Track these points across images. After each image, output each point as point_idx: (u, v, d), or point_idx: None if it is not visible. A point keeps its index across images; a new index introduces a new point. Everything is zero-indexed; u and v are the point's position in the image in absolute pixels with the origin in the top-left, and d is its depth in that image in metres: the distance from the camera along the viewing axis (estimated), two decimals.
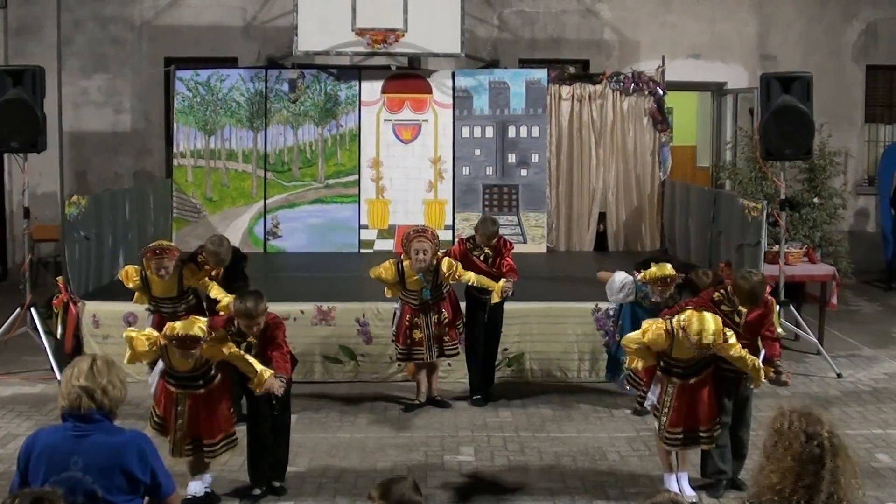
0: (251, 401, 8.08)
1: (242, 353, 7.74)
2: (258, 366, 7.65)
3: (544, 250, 16.07)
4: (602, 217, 16.68)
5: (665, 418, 7.89)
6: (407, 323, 10.17)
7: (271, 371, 7.68)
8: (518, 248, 12.45)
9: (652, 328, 7.81)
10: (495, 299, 10.23)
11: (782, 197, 12.57)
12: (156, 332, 7.84)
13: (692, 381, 7.82)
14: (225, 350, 7.65)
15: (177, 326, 7.48)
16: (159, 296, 9.80)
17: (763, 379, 7.80)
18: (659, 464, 8.42)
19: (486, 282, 10.27)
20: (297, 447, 9.03)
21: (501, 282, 10.25)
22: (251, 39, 17.63)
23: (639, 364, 8.07)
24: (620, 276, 10.34)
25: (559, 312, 11.45)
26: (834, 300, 12.97)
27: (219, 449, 7.79)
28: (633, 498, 8.06)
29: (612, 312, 10.80)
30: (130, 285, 9.85)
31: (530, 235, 16.13)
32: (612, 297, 10.43)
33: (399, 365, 11.24)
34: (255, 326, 7.82)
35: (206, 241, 9.81)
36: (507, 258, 10.48)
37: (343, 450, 9.20)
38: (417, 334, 10.14)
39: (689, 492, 8.02)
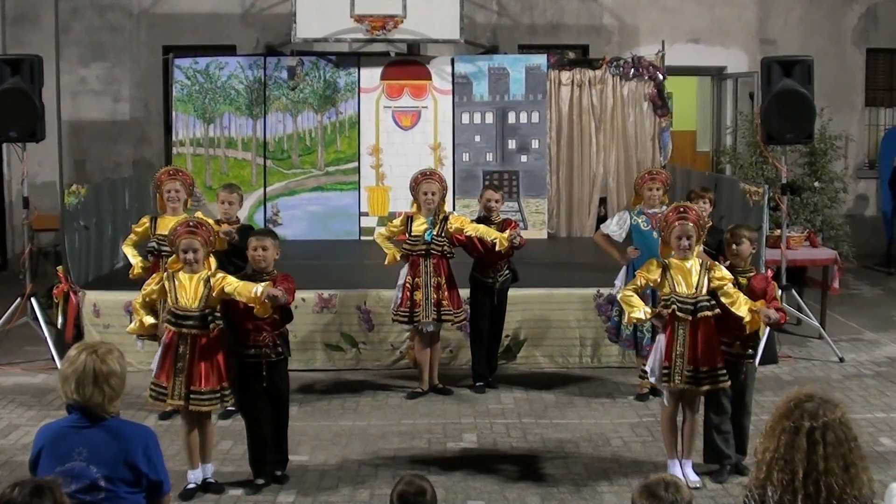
0: (250, 395, 8.02)
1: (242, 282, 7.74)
2: (257, 285, 7.62)
3: (545, 236, 16.05)
4: (603, 202, 16.65)
5: (680, 360, 7.85)
6: (408, 284, 10.10)
7: (266, 283, 7.68)
8: None
9: (643, 267, 8.16)
10: (503, 245, 9.82)
11: (783, 181, 12.55)
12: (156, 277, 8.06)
13: (700, 315, 7.81)
14: (228, 283, 7.67)
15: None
16: (162, 234, 9.48)
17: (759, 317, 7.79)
18: (662, 449, 8.40)
19: (492, 233, 9.99)
20: (299, 435, 9.05)
21: (508, 230, 10.03)
22: (250, 27, 17.60)
23: (636, 313, 8.00)
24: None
25: (561, 298, 11.43)
26: (836, 284, 12.94)
27: (206, 400, 7.68)
28: (636, 484, 8.03)
29: (615, 290, 10.22)
30: (139, 229, 9.96)
31: (531, 221, 16.09)
32: (613, 232, 10.36)
33: (400, 353, 11.24)
34: (262, 249, 7.95)
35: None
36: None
37: (345, 437, 9.18)
38: (418, 295, 10.08)
39: (694, 477, 8.01)
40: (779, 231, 12.57)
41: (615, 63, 16.49)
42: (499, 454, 8.80)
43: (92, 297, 11.45)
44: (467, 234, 10.12)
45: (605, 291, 11.23)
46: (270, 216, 16.10)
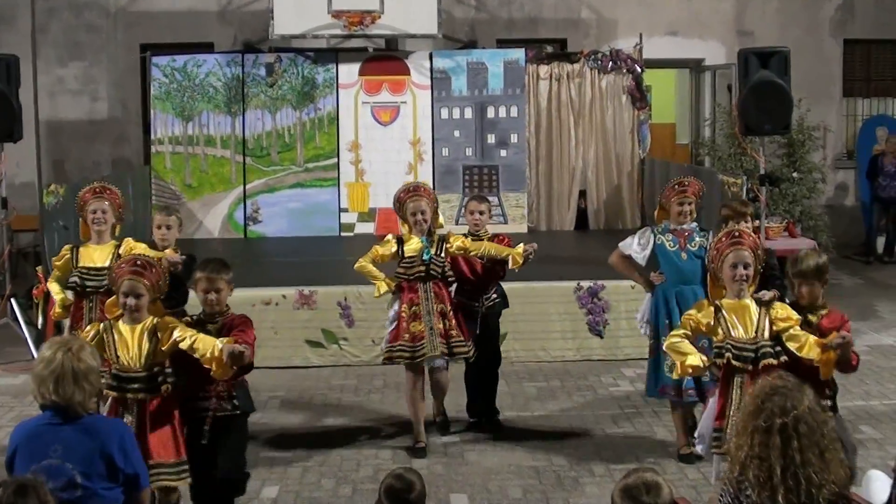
0: (193, 458, 6.47)
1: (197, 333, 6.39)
2: (216, 341, 6.28)
3: (525, 230, 16.05)
4: (582, 195, 16.67)
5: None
6: (405, 314, 8.56)
7: (227, 339, 6.33)
8: (499, 229, 12.43)
9: (693, 309, 6.86)
10: (517, 263, 8.67)
11: (762, 172, 12.61)
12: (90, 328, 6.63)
13: (762, 364, 6.39)
14: (181, 335, 6.30)
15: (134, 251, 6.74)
16: (86, 266, 8.29)
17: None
18: (644, 441, 8.41)
19: (501, 249, 8.78)
20: (280, 431, 9.06)
21: (521, 245, 8.74)
22: (227, 24, 17.56)
23: (690, 360, 6.60)
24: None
25: (541, 292, 11.45)
26: None
27: (174, 473, 6.28)
28: (619, 475, 8.04)
29: (642, 316, 8.68)
30: (59, 262, 8.51)
31: (511, 216, 16.11)
32: (635, 253, 8.52)
33: (382, 348, 11.06)
34: (214, 292, 6.69)
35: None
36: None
37: (327, 433, 9.19)
38: (417, 327, 8.52)
39: None
40: (757, 222, 12.60)
41: (593, 56, 16.50)
42: (481, 448, 8.80)
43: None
44: (471, 254, 8.81)
45: (584, 284, 11.30)
46: (250, 213, 16.07)
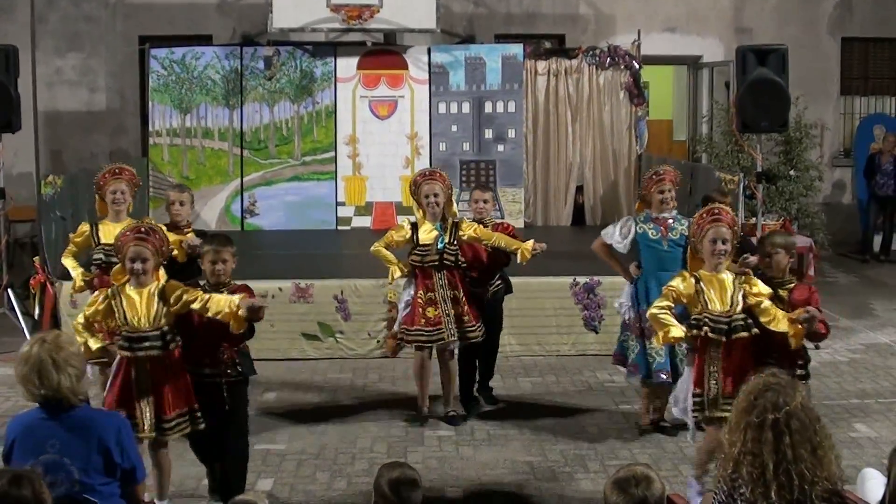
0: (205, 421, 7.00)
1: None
2: (231, 298, 6.75)
3: (522, 225, 16.04)
4: (579, 191, 16.69)
5: (715, 387, 6.96)
6: (421, 300, 8.94)
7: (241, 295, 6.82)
8: None
9: (673, 280, 7.22)
10: (524, 258, 8.95)
11: (759, 169, 12.62)
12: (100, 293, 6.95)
13: (735, 336, 6.91)
14: (193, 297, 6.75)
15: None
16: (108, 243, 8.31)
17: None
18: (637, 437, 8.43)
19: (512, 242, 9.01)
20: (276, 424, 9.10)
21: (531, 241, 9.01)
22: (226, 17, 17.56)
23: (674, 332, 7.02)
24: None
25: (537, 287, 11.46)
26: (811, 272, 13.02)
27: (176, 426, 6.75)
28: (613, 470, 8.05)
29: (623, 305, 8.96)
30: (78, 239, 8.89)
31: (508, 211, 16.11)
32: (616, 243, 8.78)
33: (377, 342, 11.26)
34: (220, 263, 7.06)
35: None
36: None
37: (323, 426, 9.19)
38: (433, 312, 8.92)
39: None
40: (754, 219, 12.63)
41: (591, 52, 16.51)
42: (476, 442, 8.82)
43: (69, 287, 11.40)
44: (484, 243, 9.06)
45: (580, 280, 11.32)
46: (247, 206, 16.08)
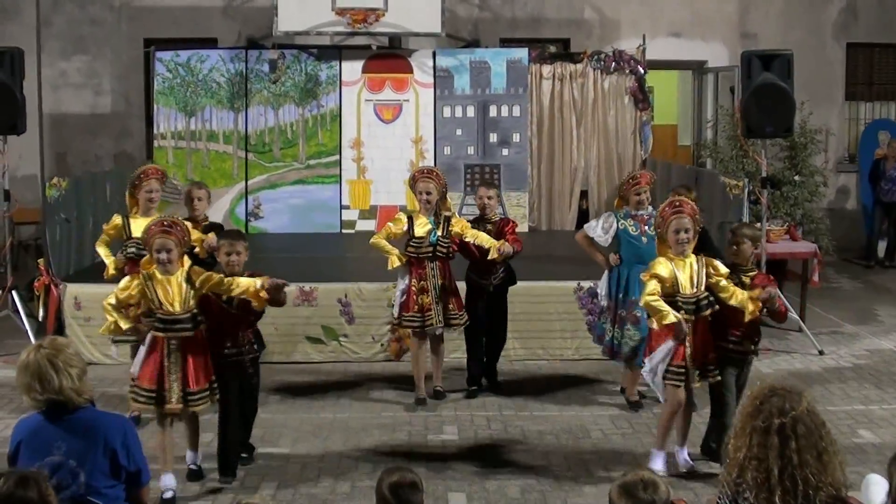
0: (227, 396, 7.88)
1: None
2: (255, 279, 7.70)
3: (526, 230, 16.05)
4: (584, 195, 16.69)
5: (692, 360, 7.84)
6: (415, 288, 9.74)
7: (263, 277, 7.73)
8: None
9: (653, 269, 7.93)
10: (494, 256, 9.54)
11: (763, 175, 12.59)
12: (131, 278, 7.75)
13: (702, 314, 7.81)
14: (218, 280, 7.64)
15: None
16: (139, 237, 8.56)
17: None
18: (642, 441, 8.43)
19: (487, 240, 9.64)
20: (280, 427, 9.10)
21: (502, 241, 9.63)
22: (231, 20, 17.57)
23: (670, 318, 7.69)
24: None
25: (541, 292, 11.46)
26: (816, 277, 13.00)
27: (200, 399, 7.56)
28: (617, 476, 8.06)
29: (600, 289, 10.07)
30: (111, 230, 9.49)
31: (512, 215, 16.01)
32: (598, 237, 9.74)
33: (381, 345, 11.26)
34: (235, 254, 7.87)
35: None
36: (510, 235, 9.95)
37: (326, 430, 9.20)
38: (425, 299, 9.73)
39: (689, 461, 8.16)
40: (759, 224, 12.62)
41: (596, 57, 16.51)
42: (479, 446, 8.82)
43: (73, 289, 11.43)
44: (466, 239, 9.76)
45: (585, 284, 11.30)
46: (252, 209, 16.09)
